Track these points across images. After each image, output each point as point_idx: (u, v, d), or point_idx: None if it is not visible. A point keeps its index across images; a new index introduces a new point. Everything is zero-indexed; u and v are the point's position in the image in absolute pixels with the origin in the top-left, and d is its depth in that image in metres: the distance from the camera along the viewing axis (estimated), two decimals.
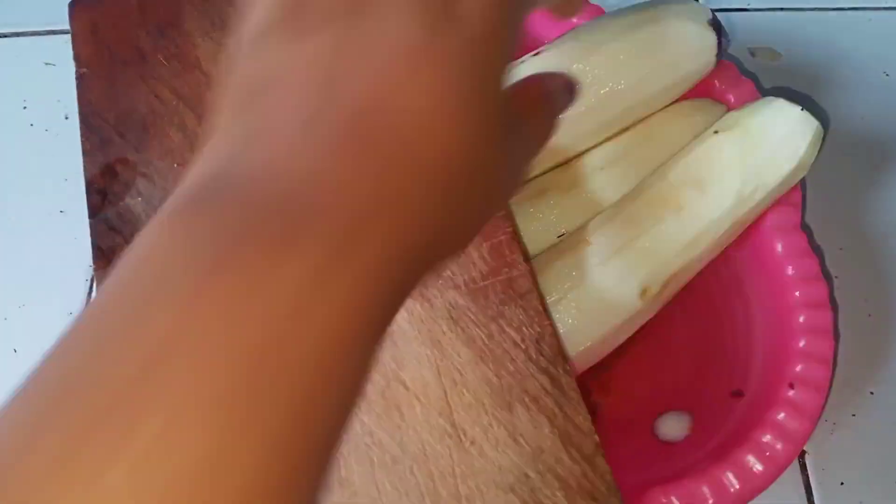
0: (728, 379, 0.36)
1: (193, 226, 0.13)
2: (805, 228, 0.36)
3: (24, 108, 0.47)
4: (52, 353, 0.13)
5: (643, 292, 0.32)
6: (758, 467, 0.30)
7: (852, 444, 0.37)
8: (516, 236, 0.31)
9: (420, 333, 0.29)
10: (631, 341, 0.36)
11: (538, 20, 0.40)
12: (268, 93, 0.15)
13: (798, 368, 0.32)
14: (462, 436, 0.28)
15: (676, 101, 0.37)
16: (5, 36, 0.49)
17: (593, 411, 0.31)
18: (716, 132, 0.34)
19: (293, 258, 0.13)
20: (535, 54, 0.36)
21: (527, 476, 0.27)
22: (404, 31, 0.15)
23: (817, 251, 0.35)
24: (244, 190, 0.14)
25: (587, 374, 0.35)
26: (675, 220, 0.33)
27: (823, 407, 0.32)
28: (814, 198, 0.42)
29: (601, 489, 0.27)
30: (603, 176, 0.36)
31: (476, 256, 0.31)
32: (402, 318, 0.30)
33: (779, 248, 0.35)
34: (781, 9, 0.50)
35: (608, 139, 0.37)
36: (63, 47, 0.35)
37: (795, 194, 0.36)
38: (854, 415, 0.38)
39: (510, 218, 0.32)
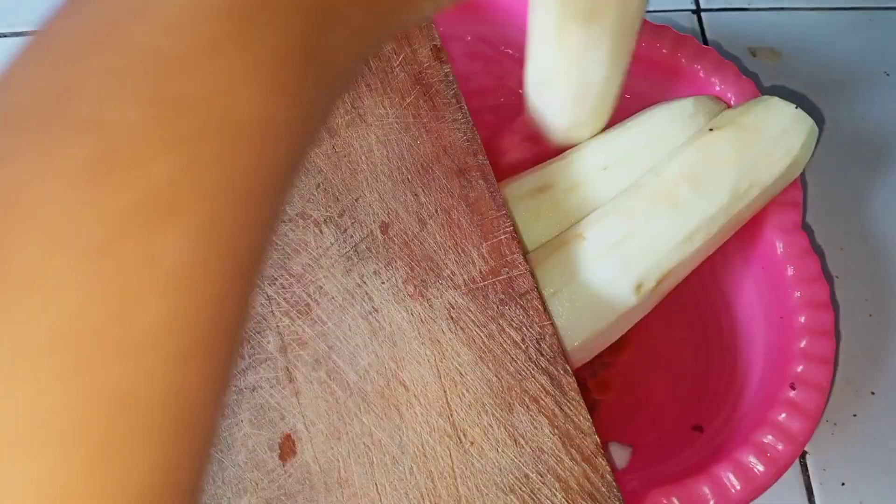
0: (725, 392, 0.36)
1: None
2: (806, 228, 0.36)
3: None
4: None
5: (638, 288, 0.32)
6: (759, 468, 0.30)
7: (853, 445, 0.37)
8: (516, 236, 0.31)
9: (420, 333, 0.29)
10: (630, 338, 0.36)
11: None
12: None
13: (799, 369, 0.32)
14: (462, 436, 0.28)
15: (676, 100, 0.37)
16: (5, 36, 0.49)
17: (592, 409, 0.30)
18: (711, 130, 0.34)
19: None
20: None
21: (527, 477, 0.27)
22: None
23: (818, 251, 0.35)
24: None
25: (586, 370, 0.35)
26: (670, 217, 0.33)
27: (824, 407, 0.32)
28: (815, 198, 0.42)
29: (602, 490, 0.27)
30: (605, 176, 0.36)
31: (476, 256, 0.31)
32: (401, 318, 0.30)
33: (780, 247, 0.35)
34: (782, 8, 0.50)
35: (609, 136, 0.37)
36: None
37: (796, 194, 0.36)
38: (855, 415, 0.38)
39: (510, 217, 0.32)
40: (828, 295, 0.34)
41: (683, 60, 0.39)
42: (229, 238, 0.13)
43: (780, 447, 0.31)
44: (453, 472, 0.27)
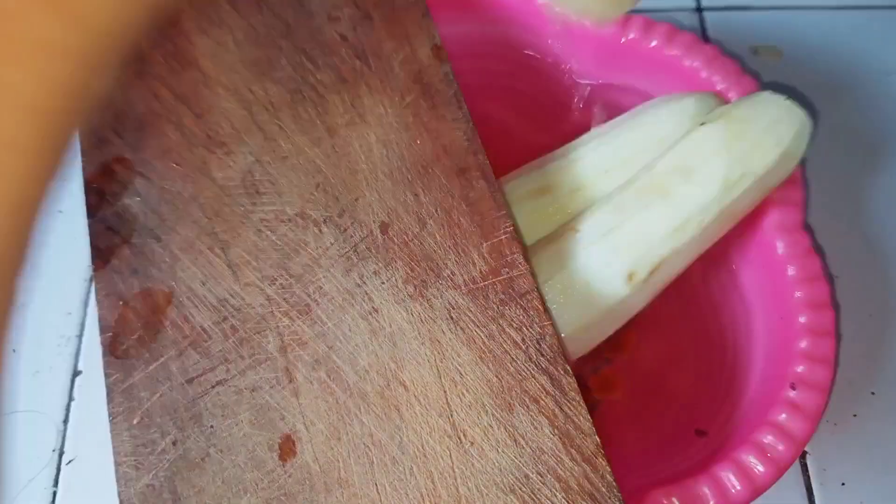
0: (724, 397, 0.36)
1: None
2: (807, 228, 0.36)
3: None
4: None
5: (630, 277, 0.33)
6: (759, 468, 0.30)
7: (854, 445, 0.37)
8: (516, 236, 0.31)
9: (420, 333, 0.29)
10: (631, 337, 0.36)
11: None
12: None
13: (799, 369, 0.32)
14: (462, 437, 0.28)
15: (677, 96, 0.37)
16: None
17: (593, 409, 0.30)
18: (703, 124, 0.34)
19: None
20: None
21: (527, 477, 0.27)
22: None
23: (819, 251, 0.35)
24: None
25: (587, 367, 0.35)
26: (662, 206, 0.33)
27: (825, 407, 0.32)
28: (816, 197, 0.41)
29: (602, 490, 0.27)
30: (606, 178, 0.36)
31: (476, 256, 0.31)
32: (401, 318, 0.30)
33: (780, 247, 0.35)
34: (784, 7, 0.50)
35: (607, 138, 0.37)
36: None
37: (797, 193, 0.36)
38: (855, 415, 0.38)
39: (510, 217, 0.32)
40: (828, 295, 0.34)
41: (684, 58, 0.39)
42: None
43: (780, 447, 0.31)
44: (453, 472, 0.27)
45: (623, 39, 0.39)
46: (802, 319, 0.33)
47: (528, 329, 0.29)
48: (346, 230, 0.31)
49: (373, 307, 0.30)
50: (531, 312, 0.30)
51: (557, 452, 0.28)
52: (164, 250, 0.31)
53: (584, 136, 0.38)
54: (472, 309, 0.30)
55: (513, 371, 0.29)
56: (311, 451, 0.28)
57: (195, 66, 0.34)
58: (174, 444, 0.28)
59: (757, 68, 0.46)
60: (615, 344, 0.36)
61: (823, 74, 0.47)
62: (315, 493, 0.27)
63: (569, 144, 0.38)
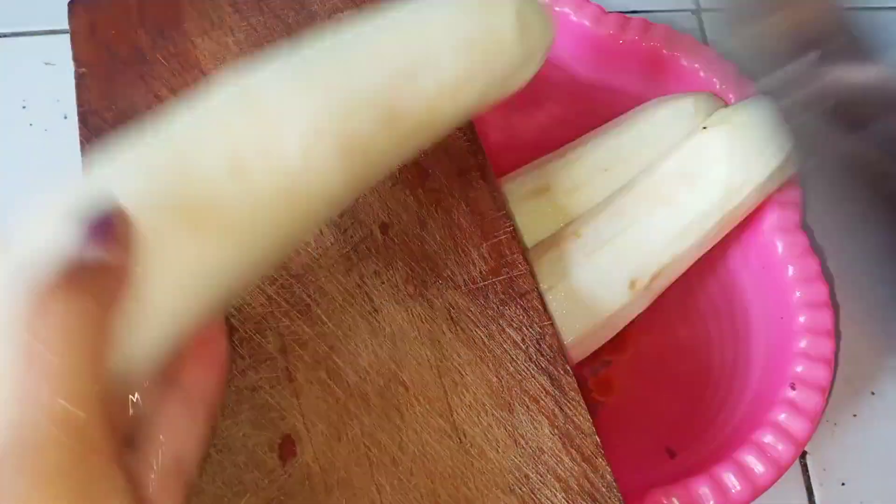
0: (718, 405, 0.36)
1: None
2: (806, 228, 0.36)
3: (24, 107, 0.47)
4: None
5: (632, 283, 0.33)
6: (759, 468, 0.30)
7: (853, 445, 0.37)
8: (516, 236, 0.31)
9: (420, 333, 0.29)
10: (631, 338, 0.36)
11: None
12: None
13: (799, 369, 0.32)
14: (462, 437, 0.28)
15: (675, 96, 0.37)
16: (5, 36, 0.49)
17: (594, 410, 0.30)
18: (704, 128, 0.34)
19: None
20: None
21: (527, 477, 0.27)
22: None
23: (818, 251, 0.35)
24: None
25: (586, 369, 0.35)
26: (664, 213, 0.33)
27: (824, 407, 0.32)
28: (815, 197, 0.41)
29: (602, 490, 0.27)
30: (605, 177, 0.36)
31: (476, 256, 0.31)
32: (401, 318, 0.30)
33: (780, 247, 0.35)
34: None
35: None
36: (62, 47, 0.35)
37: (796, 194, 0.36)
38: (855, 415, 0.38)
39: (510, 217, 0.32)
40: (828, 295, 0.34)
41: (683, 59, 0.39)
42: None
43: (780, 447, 0.31)
44: (453, 472, 0.27)
45: (621, 40, 0.39)
46: (802, 319, 0.33)
47: (527, 329, 0.29)
48: (346, 230, 0.31)
49: (373, 307, 0.30)
50: (531, 312, 0.30)
51: (557, 452, 0.28)
52: None
53: (584, 137, 0.38)
54: (472, 309, 0.30)
55: (513, 371, 0.29)
56: (312, 451, 0.28)
57: (197, 67, 0.34)
58: None
59: None
60: (615, 344, 0.36)
61: None
62: (315, 493, 0.27)
63: (568, 144, 0.38)
